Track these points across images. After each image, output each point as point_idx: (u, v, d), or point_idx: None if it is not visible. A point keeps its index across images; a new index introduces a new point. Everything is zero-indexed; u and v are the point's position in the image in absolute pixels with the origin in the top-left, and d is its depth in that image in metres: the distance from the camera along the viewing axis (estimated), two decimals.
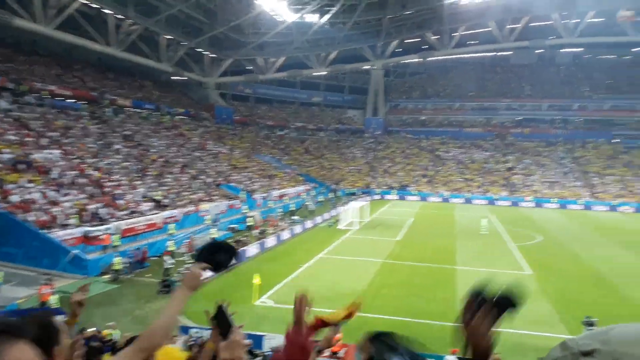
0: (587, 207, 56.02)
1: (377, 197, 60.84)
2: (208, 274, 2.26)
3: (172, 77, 68.18)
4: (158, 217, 30.51)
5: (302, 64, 73.03)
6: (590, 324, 14.75)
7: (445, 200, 60.42)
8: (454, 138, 75.49)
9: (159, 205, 32.65)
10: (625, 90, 76.06)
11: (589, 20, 66.53)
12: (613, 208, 55.33)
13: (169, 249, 26.12)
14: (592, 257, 29.02)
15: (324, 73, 77.12)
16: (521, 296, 1.48)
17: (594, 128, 73.78)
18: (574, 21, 67.74)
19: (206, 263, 2.20)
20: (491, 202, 59.03)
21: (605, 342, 0.96)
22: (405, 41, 75.53)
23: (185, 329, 15.06)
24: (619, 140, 70.17)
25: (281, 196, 49.09)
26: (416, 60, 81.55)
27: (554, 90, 78.99)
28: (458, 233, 36.79)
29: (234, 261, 2.33)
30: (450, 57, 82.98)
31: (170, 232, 29.64)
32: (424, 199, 61.00)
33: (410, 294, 20.97)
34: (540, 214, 50.00)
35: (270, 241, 30.78)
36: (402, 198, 61.58)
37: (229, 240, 30.48)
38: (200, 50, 66.29)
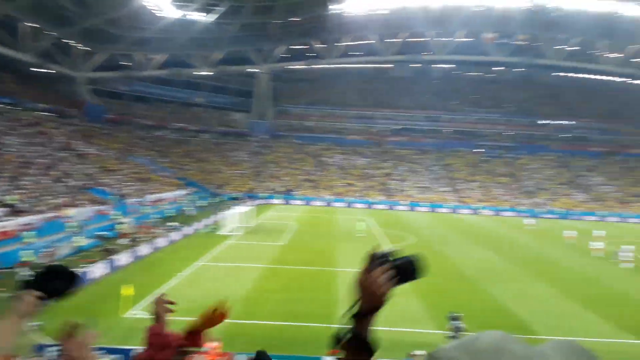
0: (454, 210, 61.83)
1: (262, 201, 60.76)
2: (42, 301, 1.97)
3: (35, 69, 61.37)
4: (11, 224, 27.09)
5: (185, 62, 70.51)
6: (454, 318, 16.16)
7: (329, 204, 62.41)
8: (337, 144, 78.46)
9: (14, 211, 29.04)
10: (487, 105, 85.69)
11: (459, 40, 73.81)
12: (475, 211, 61.74)
13: (24, 259, 23.30)
14: (457, 256, 31.97)
15: (209, 73, 75.29)
16: (422, 268, 1.51)
17: (461, 138, 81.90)
18: (446, 39, 74.66)
19: (40, 290, 1.92)
20: (370, 205, 62.31)
21: (471, 354, 0.99)
22: (292, 47, 76.88)
23: (41, 348, 13.50)
24: (482, 149, 78.66)
25: (158, 201, 46.64)
26: (303, 66, 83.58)
27: (427, 102, 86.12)
28: (339, 236, 38.14)
29: (72, 288, 2.05)
30: (336, 66, 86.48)
31: (27, 240, 26.48)
32: (308, 203, 62.35)
33: (293, 298, 21.18)
34: (413, 217, 53.96)
35: (144, 249, 29.00)
36: (287, 202, 62.26)
37: (97, 249, 28.17)
38: (69, 41, 60.64)
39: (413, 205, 62.62)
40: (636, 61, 76.26)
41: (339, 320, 1.53)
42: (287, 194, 64.26)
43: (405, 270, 1.49)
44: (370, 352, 1.49)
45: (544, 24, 69.18)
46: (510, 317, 19.81)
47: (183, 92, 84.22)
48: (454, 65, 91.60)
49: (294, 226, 42.31)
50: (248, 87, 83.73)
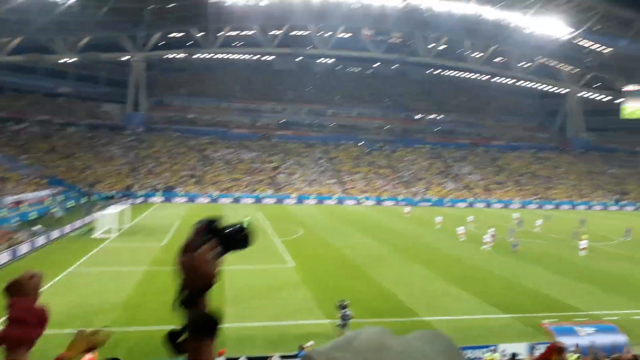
0: (340, 201, 64.13)
1: (139, 200, 57.25)
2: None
3: None
4: None
5: (46, 48, 63.59)
6: (343, 306, 16.65)
7: (215, 200, 60.86)
8: (222, 138, 76.69)
9: None
10: (368, 100, 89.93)
11: (340, 35, 76.29)
12: (359, 202, 64.62)
13: None
14: (343, 245, 33.13)
15: (74, 60, 68.81)
16: (250, 235, 1.39)
17: (345, 132, 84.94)
18: (328, 34, 76.70)
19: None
20: (258, 200, 62.04)
21: (351, 352, 0.98)
22: (170, 35, 73.28)
23: None
24: (363, 142, 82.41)
25: (18, 203, 41.58)
26: (181, 56, 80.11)
27: (312, 96, 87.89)
28: None
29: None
30: (218, 56, 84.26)
31: None
32: (192, 200, 60.17)
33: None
34: (301, 210, 54.86)
35: (3, 257, 25.69)
36: (168, 200, 59.44)
37: None
38: None
39: (301, 198, 63.65)
40: (496, 61, 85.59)
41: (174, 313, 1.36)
42: (168, 191, 61.34)
43: (234, 239, 1.35)
44: (214, 330, 1.33)
45: (417, 23, 74.36)
46: (394, 301, 20.98)
47: (45, 81, 75.71)
48: (334, 60, 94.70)
49: (176, 225, 40.48)
50: (122, 77, 78.03)
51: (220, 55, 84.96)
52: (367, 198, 65.64)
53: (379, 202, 65.58)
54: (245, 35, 78.51)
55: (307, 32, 76.23)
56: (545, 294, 22.83)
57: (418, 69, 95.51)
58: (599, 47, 76.59)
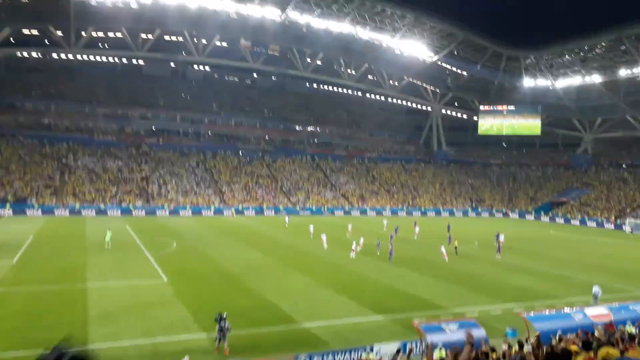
0: (218, 211, 62.62)
1: None
2: None
3: None
4: None
5: None
6: (220, 319, 16.11)
7: (76, 212, 55.57)
8: (85, 145, 70.46)
9: None
10: (246, 110, 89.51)
11: (217, 43, 75.17)
12: (239, 212, 63.75)
13: None
14: (220, 257, 32.31)
15: None
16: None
17: (223, 141, 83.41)
18: (203, 42, 75.09)
19: None
20: (127, 212, 58.02)
21: None
22: (24, 32, 66.18)
23: None
24: (242, 152, 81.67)
25: None
26: (37, 55, 72.60)
27: (186, 103, 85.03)
28: (89, 247, 34.22)
29: None
30: (80, 58, 77.87)
31: None
32: (48, 212, 54.26)
33: (31, 324, 17.89)
34: (176, 222, 52.43)
35: None
36: (19, 213, 52.92)
37: None
38: None
39: (175, 210, 60.90)
40: (369, 79, 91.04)
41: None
42: (20, 203, 54.67)
43: None
44: None
45: (295, 38, 76.26)
46: (275, 310, 20.89)
47: None
48: (210, 69, 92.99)
49: (29, 241, 36.11)
50: None
51: (83, 57, 78.68)
52: (247, 208, 64.99)
53: (259, 212, 65.35)
54: (112, 37, 73.71)
55: (181, 39, 73.96)
56: (416, 294, 24.50)
57: (297, 82, 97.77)
58: (458, 70, 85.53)
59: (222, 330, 15.98)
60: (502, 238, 39.13)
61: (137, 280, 25.33)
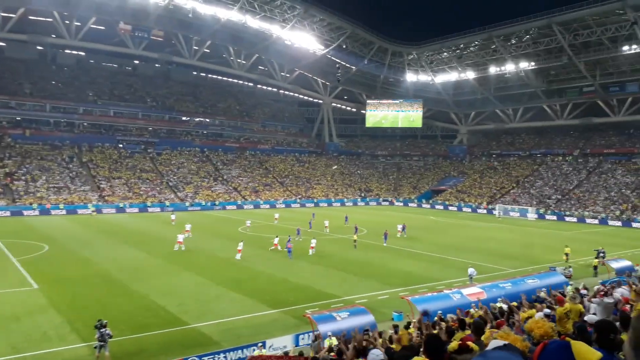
0: (98, 210, 58.22)
1: None
2: None
3: None
4: None
5: None
6: (100, 326, 15.05)
7: None
8: None
9: None
10: (127, 99, 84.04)
11: (92, 26, 69.52)
12: (121, 209, 59.97)
13: None
14: (101, 259, 30.14)
15: None
16: None
17: (100, 132, 77.65)
18: (76, 24, 69.04)
19: None
20: None
21: None
22: None
23: None
24: (122, 145, 76.74)
25: None
26: None
27: (57, 91, 77.75)
28: None
29: None
30: None
31: None
32: None
33: None
34: (46, 222, 47.88)
35: None
36: None
37: None
38: None
39: (45, 209, 55.54)
40: (260, 69, 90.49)
41: None
42: None
43: None
44: None
45: (181, 24, 73.29)
46: (162, 313, 20.04)
47: None
48: (85, 53, 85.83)
49: None
50: None
51: None
52: (131, 205, 61.30)
53: (143, 208, 61.96)
54: None
55: (50, 19, 67.35)
56: (309, 286, 25.01)
57: (183, 70, 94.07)
58: (347, 64, 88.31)
59: (102, 337, 14.98)
60: (400, 227, 42.89)
61: (1, 288, 22.75)
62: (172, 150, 79.92)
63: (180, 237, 34.43)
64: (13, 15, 64.08)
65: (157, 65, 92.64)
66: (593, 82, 73.46)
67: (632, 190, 64.22)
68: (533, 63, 75.58)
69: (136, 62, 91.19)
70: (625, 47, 64.69)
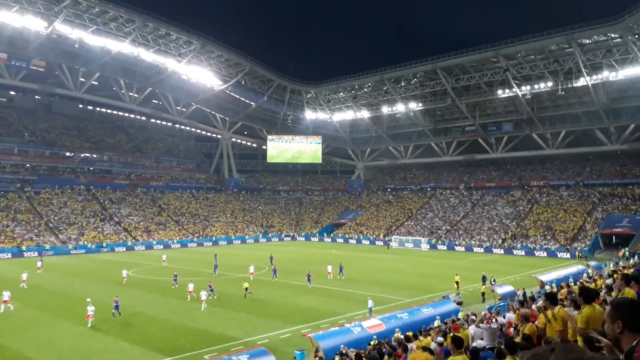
0: None
1: None
2: None
3: None
4: None
5: None
6: None
7: None
8: None
9: None
10: (2, 133, 76.35)
11: None
12: None
13: None
14: None
15: None
16: None
17: None
18: None
19: None
20: None
21: None
22: None
23: None
24: None
25: None
26: None
27: None
28: None
29: None
30: None
31: None
32: None
33: None
34: None
35: None
36: None
37: None
38: None
39: None
40: (154, 102, 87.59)
41: None
42: None
43: None
44: None
45: (65, 54, 69.10)
46: None
47: None
48: None
49: None
50: None
51: None
52: (2, 250, 54.86)
53: (18, 254, 55.75)
54: None
55: None
56: (208, 329, 23.88)
57: (68, 102, 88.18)
58: (246, 100, 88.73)
59: None
60: (330, 269, 40.24)
61: None
62: (52, 188, 73.45)
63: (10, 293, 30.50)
64: None
65: (37, 97, 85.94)
66: (474, 122, 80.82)
67: (511, 220, 70.66)
68: (420, 104, 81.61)
69: (12, 93, 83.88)
70: (500, 91, 72.27)
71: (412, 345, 12.00)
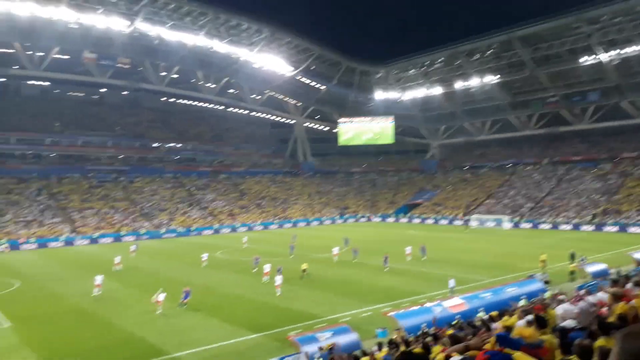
0: (69, 242, 56.72)
1: None
2: None
3: None
4: None
5: None
6: None
7: None
8: None
9: None
10: (95, 127, 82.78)
11: (55, 56, 68.50)
12: (94, 240, 58.51)
13: None
14: (74, 294, 29.25)
15: None
16: None
17: (69, 163, 76.06)
18: (39, 54, 67.98)
19: None
20: None
21: None
22: None
23: None
24: (92, 174, 75.27)
25: None
26: None
27: (22, 123, 75.96)
28: None
29: None
30: None
31: None
32: None
33: None
34: (16, 258, 46.30)
35: None
36: None
37: None
38: None
39: (15, 244, 53.66)
40: (230, 92, 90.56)
41: None
42: None
43: None
44: None
45: (146, 50, 72.92)
46: (142, 344, 19.52)
47: None
48: (50, 84, 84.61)
49: None
50: None
51: None
52: (103, 235, 59.79)
53: (117, 238, 60.50)
54: None
55: (12, 50, 66.19)
56: (290, 307, 24.74)
57: (152, 96, 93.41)
58: (316, 84, 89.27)
59: None
60: (408, 250, 39.30)
61: None
62: (143, 177, 78.75)
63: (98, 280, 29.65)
64: None
65: (124, 92, 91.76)
66: (556, 92, 75.96)
67: (601, 195, 66.14)
68: (497, 77, 77.83)
69: (103, 90, 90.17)
70: (583, 59, 67.25)
71: (495, 325, 11.78)
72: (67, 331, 21.65)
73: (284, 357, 16.81)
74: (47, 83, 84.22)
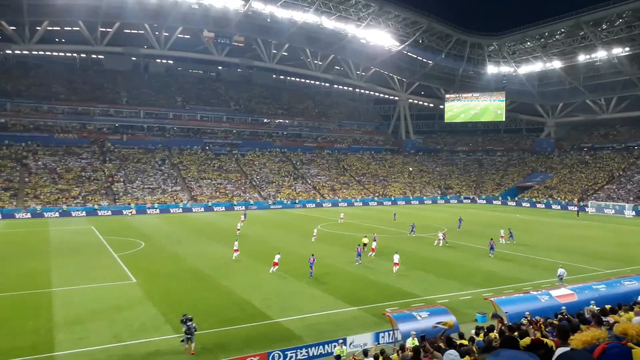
0: (187, 209, 61.71)
1: None
2: None
3: None
4: None
5: None
6: (186, 320, 15.92)
7: (38, 215, 53.79)
8: (45, 144, 68.29)
9: None
10: (212, 103, 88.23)
11: (179, 36, 73.73)
12: (209, 208, 63.04)
13: None
14: (190, 255, 31.89)
15: None
16: None
17: (189, 136, 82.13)
18: (165, 34, 73.57)
19: None
20: (92, 212, 56.55)
21: None
22: None
23: None
24: (209, 147, 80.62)
25: None
26: None
27: (150, 98, 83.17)
28: (54, 251, 33.27)
29: None
30: (34, 53, 75.53)
31: None
32: (8, 217, 52.40)
33: None
34: (142, 221, 51.42)
35: None
36: None
37: None
38: None
39: (142, 208, 59.64)
40: (335, 69, 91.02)
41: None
42: None
43: None
44: None
45: (259, 29, 75.48)
46: (248, 307, 20.81)
47: None
48: (173, 62, 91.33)
49: None
50: None
51: (39, 52, 76.31)
52: (217, 204, 64.24)
53: (229, 207, 64.61)
54: (69, 30, 71.40)
55: (142, 31, 72.31)
56: (388, 284, 24.81)
57: (263, 73, 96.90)
58: (423, 59, 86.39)
59: (188, 331, 15.86)
60: (502, 232, 38.31)
61: (104, 282, 24.79)
62: (254, 151, 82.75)
63: (236, 244, 32.15)
64: (110, 30, 69.40)
65: (239, 70, 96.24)
66: None
67: None
68: (627, 48, 69.48)
69: (220, 67, 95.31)
70: None
71: (608, 320, 10.81)
72: (183, 289, 23.74)
73: (380, 332, 16.99)
74: (171, 61, 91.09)
